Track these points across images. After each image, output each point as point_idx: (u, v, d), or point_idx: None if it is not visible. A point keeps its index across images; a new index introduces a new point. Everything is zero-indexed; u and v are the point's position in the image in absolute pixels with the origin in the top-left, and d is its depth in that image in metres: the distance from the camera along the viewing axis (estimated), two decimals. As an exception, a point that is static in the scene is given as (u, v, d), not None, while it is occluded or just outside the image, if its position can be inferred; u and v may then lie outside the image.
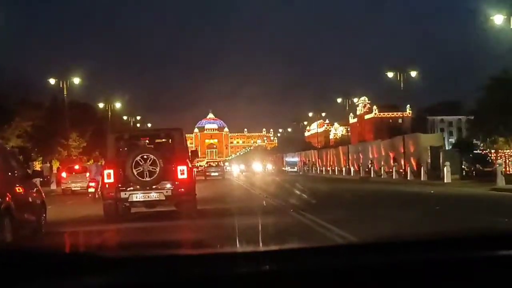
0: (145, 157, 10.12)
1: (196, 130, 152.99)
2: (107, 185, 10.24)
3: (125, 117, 48.01)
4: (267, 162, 62.71)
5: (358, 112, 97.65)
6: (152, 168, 10.08)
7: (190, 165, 10.86)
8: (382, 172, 30.54)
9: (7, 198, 6.36)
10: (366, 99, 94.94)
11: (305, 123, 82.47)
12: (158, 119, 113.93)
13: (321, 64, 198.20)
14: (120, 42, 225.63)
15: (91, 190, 17.48)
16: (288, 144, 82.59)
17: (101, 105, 41.48)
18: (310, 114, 67.87)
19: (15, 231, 6.27)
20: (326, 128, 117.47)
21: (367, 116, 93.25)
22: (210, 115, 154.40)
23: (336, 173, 39.97)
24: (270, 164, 60.02)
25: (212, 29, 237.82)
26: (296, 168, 50.05)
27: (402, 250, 1.39)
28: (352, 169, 36.90)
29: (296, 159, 55.21)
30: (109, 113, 39.81)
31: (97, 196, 15.72)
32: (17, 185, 7.28)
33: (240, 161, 79.15)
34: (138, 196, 10.22)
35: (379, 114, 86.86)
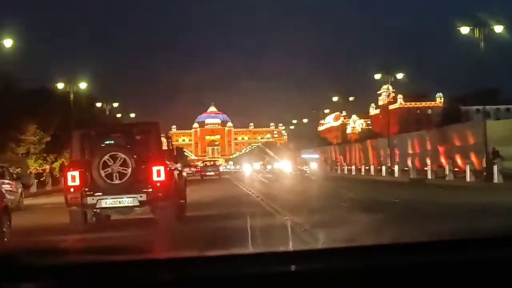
0: (114, 156, 10.10)
1: (195, 125, 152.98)
2: (71, 189, 10.21)
3: (98, 104, 45.72)
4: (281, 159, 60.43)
5: (380, 103, 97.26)
6: (122, 169, 10.09)
7: (172, 165, 10.95)
8: (446, 172, 26.04)
9: None
10: (390, 87, 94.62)
11: (326, 110, 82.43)
12: (151, 113, 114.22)
13: (337, 53, 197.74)
14: (115, 25, 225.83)
15: None
16: (300, 140, 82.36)
17: (62, 87, 36.20)
18: (327, 111, 67.50)
19: None
20: (343, 121, 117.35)
21: (391, 107, 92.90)
22: (212, 109, 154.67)
23: (366, 173, 37.58)
24: (288, 161, 55.55)
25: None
26: (307, 167, 49.11)
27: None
28: (383, 168, 34.65)
29: (315, 155, 53.76)
30: (71, 97, 34.77)
31: None
32: None
33: (247, 160, 79.20)
34: (108, 202, 10.25)
35: (405, 104, 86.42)
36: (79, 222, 10.31)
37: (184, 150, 20.45)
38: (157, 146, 10.92)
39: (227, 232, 7.67)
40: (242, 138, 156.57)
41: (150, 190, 10.18)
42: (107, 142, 11.00)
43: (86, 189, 10.14)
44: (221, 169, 55.39)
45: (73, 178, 10.21)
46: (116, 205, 10.28)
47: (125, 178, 10.07)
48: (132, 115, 55.05)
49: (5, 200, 8.38)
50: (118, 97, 51.98)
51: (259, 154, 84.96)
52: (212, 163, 51.15)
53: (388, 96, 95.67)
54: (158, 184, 10.25)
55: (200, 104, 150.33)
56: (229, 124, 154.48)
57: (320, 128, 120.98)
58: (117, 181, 10.08)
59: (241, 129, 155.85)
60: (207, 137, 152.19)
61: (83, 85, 36.75)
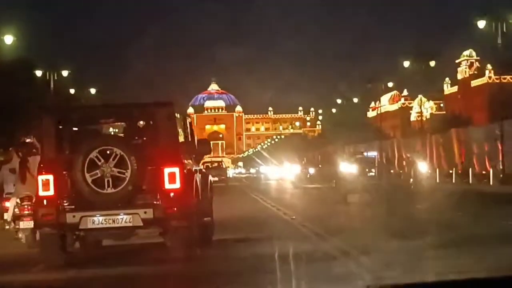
0: (106, 152, 10.18)
1: (190, 110, 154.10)
2: (44, 201, 10.31)
3: (72, 91, 49.00)
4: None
5: (459, 76, 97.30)
6: (118, 172, 10.15)
7: (192, 165, 11.29)
8: None
9: None
10: (474, 54, 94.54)
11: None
12: (124, 90, 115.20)
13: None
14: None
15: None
16: (340, 130, 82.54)
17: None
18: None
19: None
20: (403, 104, 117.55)
21: (475, 82, 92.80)
22: (214, 87, 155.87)
23: (461, 180, 34.77)
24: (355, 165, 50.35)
25: None
26: (373, 171, 46.73)
27: None
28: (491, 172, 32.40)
29: (374, 154, 52.15)
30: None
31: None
32: None
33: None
34: (97, 221, 10.35)
35: (496, 78, 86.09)
36: (54, 251, 10.33)
37: (209, 143, 19.91)
38: (171, 136, 10.93)
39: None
40: (257, 129, 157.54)
41: (160, 203, 10.31)
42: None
43: (65, 202, 10.24)
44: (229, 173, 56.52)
45: (45, 185, 10.26)
46: (108, 225, 10.34)
47: (123, 185, 10.13)
48: (92, 90, 55.46)
49: None
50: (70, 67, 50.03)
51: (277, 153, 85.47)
52: (216, 164, 53.13)
53: (470, 67, 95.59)
54: (172, 194, 10.37)
55: (197, 79, 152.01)
56: (238, 108, 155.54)
57: (371, 113, 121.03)
58: (110, 190, 10.12)
59: (256, 116, 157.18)
60: (207, 127, 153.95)
61: (8, 39, 37.43)
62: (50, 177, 10.27)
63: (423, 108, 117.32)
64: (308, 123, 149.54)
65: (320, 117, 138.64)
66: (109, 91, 65.16)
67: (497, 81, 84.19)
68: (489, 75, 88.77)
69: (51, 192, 10.22)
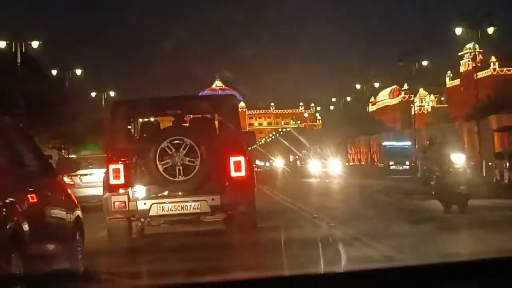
0: (177, 142, 10.40)
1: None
2: (114, 189, 10.58)
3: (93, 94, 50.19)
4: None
5: (462, 69, 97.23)
6: (188, 161, 10.37)
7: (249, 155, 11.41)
8: None
9: (15, 218, 5.87)
10: (477, 47, 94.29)
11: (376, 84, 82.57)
12: (134, 89, 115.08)
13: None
14: None
15: None
16: (339, 125, 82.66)
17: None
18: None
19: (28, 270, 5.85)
20: (403, 98, 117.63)
21: (481, 74, 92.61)
22: (218, 83, 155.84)
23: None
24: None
25: None
26: (407, 163, 40.98)
27: None
28: None
29: (406, 143, 46.29)
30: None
31: None
32: (32, 189, 6.66)
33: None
34: (167, 207, 10.57)
35: (501, 70, 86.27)
36: (122, 237, 10.66)
37: (255, 135, 20.22)
38: (235, 127, 11.23)
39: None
40: (260, 124, 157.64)
41: (227, 190, 10.56)
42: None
43: (135, 190, 10.54)
44: None
45: (116, 173, 10.54)
46: (177, 212, 10.58)
47: (193, 174, 10.36)
48: (112, 93, 56.08)
49: (76, 202, 8.24)
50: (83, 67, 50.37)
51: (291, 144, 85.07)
52: None
53: (473, 59, 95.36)
54: (238, 181, 10.62)
55: (201, 78, 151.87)
56: (241, 104, 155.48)
57: (372, 108, 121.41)
58: (181, 178, 10.35)
59: (258, 111, 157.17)
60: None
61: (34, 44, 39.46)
62: (121, 166, 10.56)
63: (424, 101, 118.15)
64: (306, 116, 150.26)
65: (320, 113, 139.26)
66: (122, 90, 65.62)
67: (503, 73, 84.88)
68: (493, 66, 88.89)
69: (121, 180, 10.52)
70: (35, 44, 39.22)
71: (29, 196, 6.44)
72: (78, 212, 7.94)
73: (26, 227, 5.91)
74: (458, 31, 44.27)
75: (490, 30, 43.01)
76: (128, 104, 12.38)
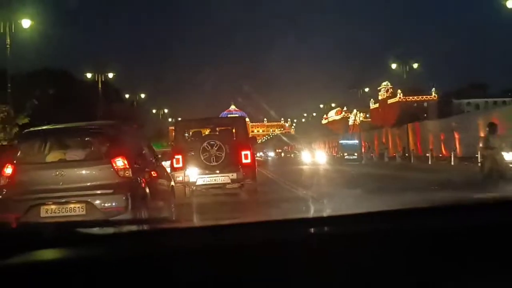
0: (211, 143, 10.59)
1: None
2: (176, 170, 10.69)
3: (154, 110, 48.79)
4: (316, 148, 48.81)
5: (380, 97, 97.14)
6: (218, 154, 10.52)
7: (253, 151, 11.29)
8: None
9: (143, 186, 5.89)
10: (389, 84, 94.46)
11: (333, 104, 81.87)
12: (184, 112, 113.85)
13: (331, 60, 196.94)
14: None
15: None
16: (307, 131, 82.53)
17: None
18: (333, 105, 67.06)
19: (150, 219, 6.02)
20: (344, 115, 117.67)
21: (390, 101, 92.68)
22: (232, 107, 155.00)
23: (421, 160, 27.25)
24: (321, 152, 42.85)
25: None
26: (355, 154, 37.78)
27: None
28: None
29: (355, 141, 42.75)
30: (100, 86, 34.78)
31: None
32: (151, 170, 6.60)
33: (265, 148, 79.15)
34: (206, 180, 10.64)
35: (404, 98, 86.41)
36: (183, 196, 10.56)
37: (256, 138, 19.75)
38: (244, 135, 11.45)
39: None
40: (257, 131, 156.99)
41: (240, 170, 10.56)
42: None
43: (188, 169, 10.61)
44: None
45: (177, 161, 10.71)
46: (212, 183, 10.64)
47: (220, 161, 10.49)
48: (166, 110, 55.69)
49: (172, 179, 8.22)
50: (144, 91, 47.28)
51: (278, 142, 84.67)
52: None
53: (387, 91, 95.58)
54: (246, 165, 10.62)
55: (222, 102, 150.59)
56: (247, 119, 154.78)
57: (324, 121, 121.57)
58: (214, 163, 10.50)
59: (257, 123, 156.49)
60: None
61: (110, 75, 36.24)
62: (180, 157, 10.60)
63: (356, 117, 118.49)
64: (287, 125, 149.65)
65: (295, 124, 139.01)
66: (173, 109, 63.53)
67: (404, 100, 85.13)
68: (399, 96, 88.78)
69: (180, 165, 10.55)
70: (110, 75, 36.02)
71: (150, 173, 6.49)
72: (172, 183, 8.00)
73: (148, 191, 5.96)
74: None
75: (415, 65, 39.80)
76: (185, 121, 12.62)
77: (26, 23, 23.31)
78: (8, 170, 5.62)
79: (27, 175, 5.54)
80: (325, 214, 1.71)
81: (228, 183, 10.75)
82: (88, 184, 5.41)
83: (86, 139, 5.89)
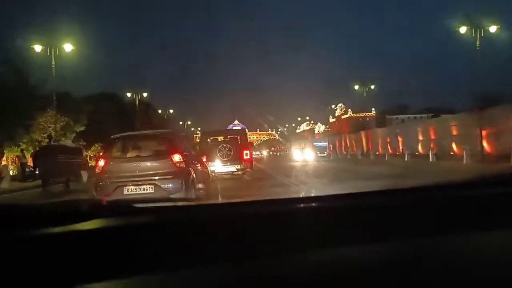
0: (224, 146, 11.28)
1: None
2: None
3: (180, 122, 47.04)
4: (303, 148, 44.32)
5: (336, 114, 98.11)
6: (229, 152, 11.16)
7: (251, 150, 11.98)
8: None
9: (192, 172, 5.84)
10: (342, 105, 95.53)
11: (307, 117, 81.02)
12: (201, 125, 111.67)
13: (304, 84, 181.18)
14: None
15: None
16: (287, 138, 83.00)
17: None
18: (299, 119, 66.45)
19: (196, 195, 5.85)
20: (311, 127, 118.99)
21: (343, 117, 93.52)
22: (236, 121, 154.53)
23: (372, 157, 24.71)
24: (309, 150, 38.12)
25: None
26: (325, 153, 34.81)
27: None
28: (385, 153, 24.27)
29: (325, 143, 40.55)
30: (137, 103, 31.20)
31: None
32: (195, 162, 6.53)
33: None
34: (221, 169, 11.07)
35: (353, 115, 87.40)
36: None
37: (253, 143, 19.60)
38: (245, 141, 12.03)
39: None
40: (253, 137, 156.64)
41: (242, 163, 11.12)
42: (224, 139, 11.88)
43: (209, 162, 10.87)
44: None
45: (204, 157, 11.33)
46: (224, 171, 10.99)
47: (230, 157, 11.01)
48: (189, 122, 54.60)
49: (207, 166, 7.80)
50: (171, 107, 43.41)
51: (268, 145, 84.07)
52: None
53: (341, 110, 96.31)
54: (246, 160, 11.22)
55: (228, 117, 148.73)
56: (246, 130, 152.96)
57: (298, 130, 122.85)
58: (226, 158, 10.98)
59: (253, 132, 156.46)
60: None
61: (145, 94, 32.49)
62: (205, 156, 10.85)
63: (320, 128, 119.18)
64: (275, 134, 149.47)
65: (279, 132, 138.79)
66: (194, 121, 59.53)
67: (353, 116, 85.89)
68: (350, 113, 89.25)
69: (205, 160, 10.66)
70: (145, 94, 32.21)
71: (195, 164, 6.37)
72: (208, 171, 7.75)
73: (194, 176, 5.90)
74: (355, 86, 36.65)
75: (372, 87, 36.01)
76: (207, 132, 12.81)
77: (68, 47, 18.32)
78: (101, 162, 5.77)
79: (114, 166, 5.59)
80: (306, 195, 1.40)
81: (235, 171, 11.22)
82: (156, 172, 5.41)
83: (154, 141, 5.96)
